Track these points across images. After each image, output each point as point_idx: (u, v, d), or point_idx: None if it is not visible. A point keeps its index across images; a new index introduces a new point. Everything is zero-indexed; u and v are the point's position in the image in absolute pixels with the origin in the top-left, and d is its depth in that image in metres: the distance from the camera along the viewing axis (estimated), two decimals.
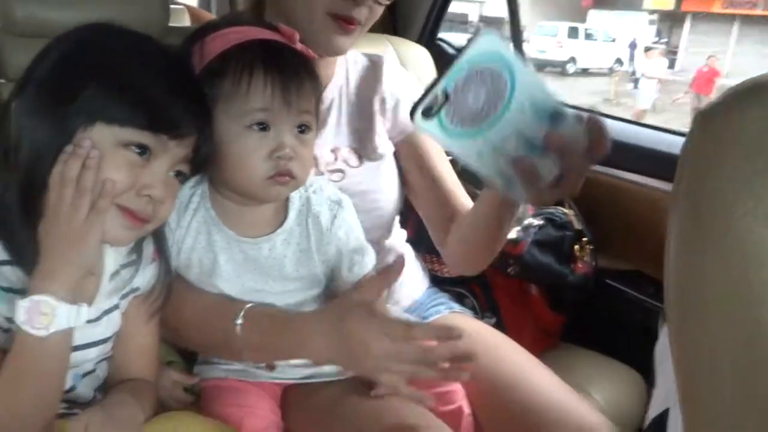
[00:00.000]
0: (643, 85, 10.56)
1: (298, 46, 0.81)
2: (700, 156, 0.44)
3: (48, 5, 1.09)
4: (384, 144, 1.04)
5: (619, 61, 15.92)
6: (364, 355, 0.76)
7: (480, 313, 1.22)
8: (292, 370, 0.90)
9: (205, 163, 0.78)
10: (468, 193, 1.07)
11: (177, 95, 0.71)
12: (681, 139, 1.28)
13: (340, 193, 0.91)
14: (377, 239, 1.03)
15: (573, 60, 15.91)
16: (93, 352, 0.76)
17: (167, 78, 0.71)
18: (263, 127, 0.77)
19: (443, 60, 1.58)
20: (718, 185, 0.40)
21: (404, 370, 0.76)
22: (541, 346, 1.23)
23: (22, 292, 0.66)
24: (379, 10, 0.98)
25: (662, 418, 0.64)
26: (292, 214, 0.86)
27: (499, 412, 0.91)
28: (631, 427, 1.11)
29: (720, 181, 0.41)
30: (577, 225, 1.24)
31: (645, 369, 1.18)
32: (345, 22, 0.92)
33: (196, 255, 0.85)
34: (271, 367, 0.88)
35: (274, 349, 0.83)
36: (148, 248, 0.79)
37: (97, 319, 0.75)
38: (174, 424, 0.76)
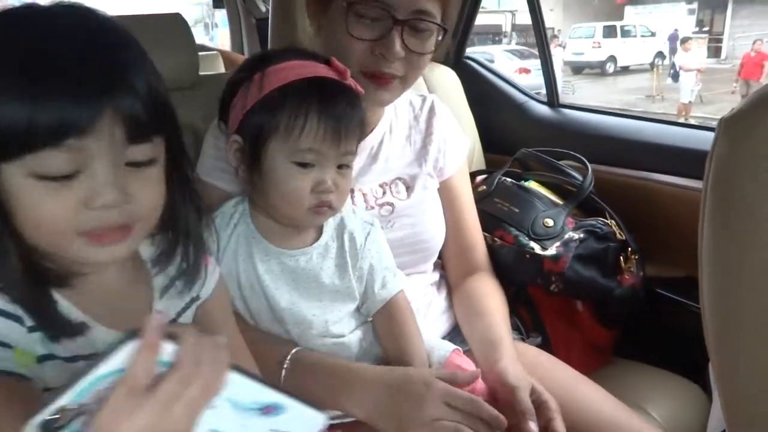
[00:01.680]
0: (682, 78, 10.26)
1: (350, 82, 0.86)
2: (724, 161, 0.43)
3: None
4: (431, 180, 1.10)
5: (660, 55, 15.52)
6: (415, 420, 0.78)
7: (525, 333, 1.20)
8: None
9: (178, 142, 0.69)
10: None
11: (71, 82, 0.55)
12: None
13: (371, 216, 0.97)
14: (423, 272, 1.09)
15: (612, 59, 15.60)
16: None
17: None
18: (305, 166, 0.83)
19: (471, 80, 1.58)
20: (742, 190, 0.40)
21: (457, 416, 0.79)
22: (592, 363, 1.19)
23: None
24: (423, 62, 1.00)
25: None
26: (328, 230, 0.92)
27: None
28: None
29: (744, 186, 0.40)
30: (621, 235, 1.20)
31: (705, 381, 1.12)
32: (379, 79, 0.97)
33: (236, 265, 0.88)
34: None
35: (316, 396, 0.82)
36: (196, 255, 0.74)
37: None
38: None
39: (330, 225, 0.92)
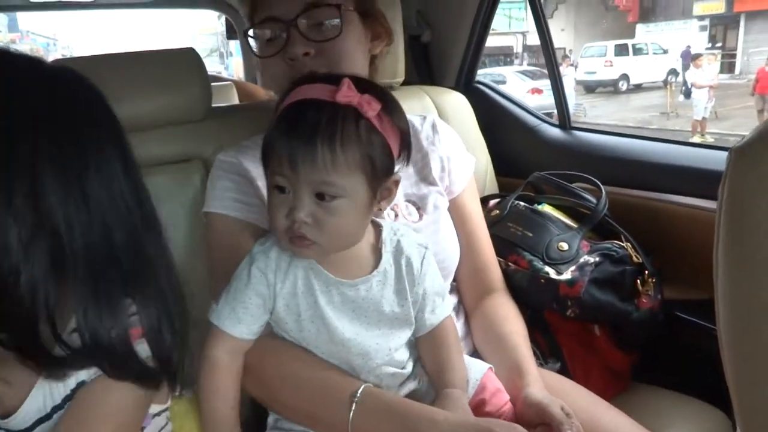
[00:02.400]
0: (695, 94, 10.22)
1: (346, 99, 0.77)
2: (737, 189, 0.43)
3: None
4: (441, 198, 1.09)
5: (674, 72, 15.48)
6: None
7: (543, 359, 1.18)
8: None
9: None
10: None
11: None
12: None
13: (423, 237, 0.93)
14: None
15: (625, 77, 15.59)
16: None
17: None
18: (282, 189, 0.80)
19: (482, 104, 1.58)
20: (755, 217, 0.39)
21: None
22: (612, 388, 1.17)
23: None
24: (340, 46, 0.99)
25: None
26: (386, 255, 0.88)
27: None
28: None
29: (757, 213, 0.39)
30: (637, 258, 1.18)
31: (728, 404, 1.10)
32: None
33: (295, 300, 0.85)
34: None
35: None
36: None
37: (28, 430, 0.71)
38: None
39: (387, 249, 0.88)
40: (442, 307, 0.92)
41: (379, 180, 0.81)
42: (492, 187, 1.52)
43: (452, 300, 0.97)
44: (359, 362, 0.86)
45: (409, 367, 0.91)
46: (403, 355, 0.90)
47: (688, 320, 1.25)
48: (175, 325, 0.74)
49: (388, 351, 0.88)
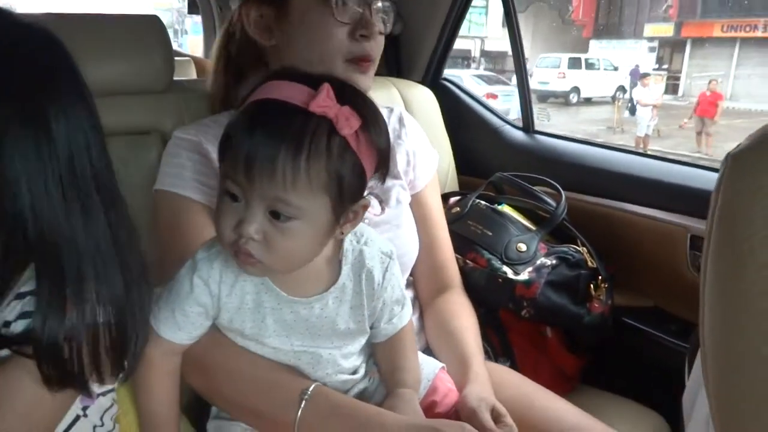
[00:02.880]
0: (639, 112, 10.62)
1: (326, 110, 0.68)
2: (731, 197, 0.43)
3: None
4: (404, 193, 1.08)
5: (622, 89, 15.99)
6: None
7: (494, 357, 1.19)
8: None
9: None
10: None
11: None
12: (693, 170, 1.26)
13: (389, 243, 0.86)
14: None
15: (576, 90, 16.01)
16: None
17: None
18: (234, 197, 0.71)
19: (448, 101, 1.58)
20: (750, 226, 0.39)
21: None
22: (559, 389, 1.18)
23: None
24: (382, 42, 1.02)
25: None
26: (346, 269, 0.81)
27: None
28: None
29: (753, 222, 0.39)
30: (592, 263, 1.21)
31: (668, 412, 1.14)
32: (362, 61, 0.97)
33: (241, 316, 0.80)
34: None
35: None
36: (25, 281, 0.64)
37: None
38: None
39: (348, 260, 0.81)
40: (400, 316, 0.88)
41: (345, 204, 0.72)
42: (453, 184, 1.52)
43: (408, 306, 0.93)
44: (308, 371, 0.83)
45: (361, 372, 0.89)
46: (356, 361, 0.88)
47: (634, 326, 1.29)
48: (136, 314, 0.70)
49: (340, 360, 0.85)
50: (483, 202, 1.29)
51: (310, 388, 0.80)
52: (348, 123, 0.68)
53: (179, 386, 0.83)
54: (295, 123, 0.67)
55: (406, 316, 0.89)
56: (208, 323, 0.81)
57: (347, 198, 0.72)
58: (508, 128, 1.60)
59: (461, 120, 1.61)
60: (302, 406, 0.79)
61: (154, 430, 0.80)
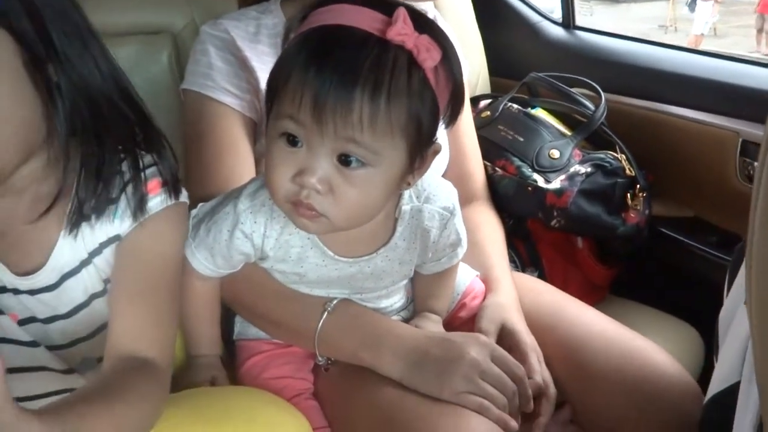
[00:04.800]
0: (698, 8, 9.83)
1: (405, 40, 0.60)
2: None
3: None
4: None
5: None
6: (454, 367, 0.73)
7: (521, 267, 1.15)
8: None
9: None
10: None
11: None
12: (748, 68, 1.13)
13: (451, 194, 0.79)
14: None
15: None
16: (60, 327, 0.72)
17: None
18: (293, 140, 0.63)
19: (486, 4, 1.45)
20: None
21: (485, 392, 0.73)
22: (588, 299, 1.14)
23: None
24: None
25: (730, 393, 0.57)
26: (400, 229, 0.75)
27: (542, 348, 0.86)
28: None
29: None
30: (630, 171, 1.13)
31: (702, 324, 1.09)
32: None
33: (281, 266, 0.77)
34: (326, 369, 0.84)
35: (346, 345, 0.79)
36: (126, 183, 0.68)
37: (55, 285, 0.70)
38: (221, 397, 0.74)
39: (404, 221, 0.75)
40: (450, 257, 0.84)
41: (421, 148, 0.65)
42: (484, 86, 1.43)
43: (463, 246, 0.86)
44: None
45: (399, 304, 0.87)
46: (395, 297, 0.86)
47: (671, 236, 1.23)
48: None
49: (378, 301, 0.84)
50: (515, 106, 1.21)
51: (334, 301, 0.79)
52: (430, 54, 0.61)
53: (218, 308, 0.84)
54: (371, 54, 0.59)
55: (456, 256, 0.85)
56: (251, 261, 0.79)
57: (423, 141, 0.65)
58: (546, 24, 1.47)
59: (495, 15, 1.49)
60: (323, 317, 0.78)
61: (196, 346, 0.83)
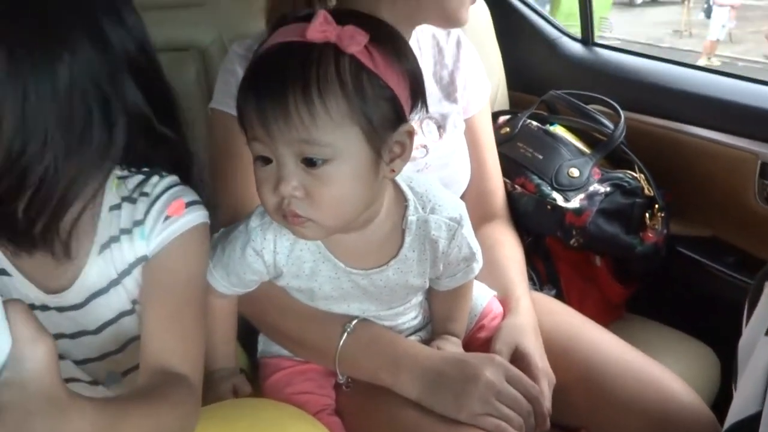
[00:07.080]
0: (715, 13, 9.73)
1: (326, 35, 0.63)
2: None
3: None
4: (459, 118, 1.04)
5: None
6: (470, 389, 0.75)
7: (539, 285, 1.16)
8: None
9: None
10: None
11: None
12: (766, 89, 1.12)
13: (458, 205, 0.81)
14: None
15: None
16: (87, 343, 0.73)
17: None
18: (265, 159, 0.67)
19: (500, 10, 1.47)
20: None
21: (501, 413, 0.75)
22: (605, 318, 1.16)
23: None
24: None
25: (749, 422, 0.58)
26: (408, 240, 0.77)
27: (557, 372, 0.87)
28: None
29: None
30: (649, 191, 1.14)
31: (718, 345, 1.10)
32: None
33: (296, 282, 0.79)
34: (347, 387, 0.86)
35: (366, 365, 0.82)
36: (151, 204, 0.69)
37: (82, 304, 0.71)
38: (251, 409, 0.75)
39: (411, 231, 0.76)
40: (465, 272, 0.85)
41: (381, 133, 0.66)
42: (503, 102, 1.44)
43: (478, 261, 0.88)
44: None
45: (416, 321, 0.89)
46: (412, 314, 0.88)
47: (688, 256, 1.23)
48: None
49: (395, 315, 0.85)
50: (534, 123, 1.22)
51: (354, 321, 0.81)
52: (353, 40, 0.62)
53: (236, 325, 0.86)
54: (296, 56, 0.63)
55: (472, 271, 0.87)
56: (264, 280, 0.81)
57: (382, 126, 0.66)
58: (565, 40, 1.48)
59: (514, 31, 1.50)
60: (344, 338, 0.81)
61: (213, 362, 0.84)
